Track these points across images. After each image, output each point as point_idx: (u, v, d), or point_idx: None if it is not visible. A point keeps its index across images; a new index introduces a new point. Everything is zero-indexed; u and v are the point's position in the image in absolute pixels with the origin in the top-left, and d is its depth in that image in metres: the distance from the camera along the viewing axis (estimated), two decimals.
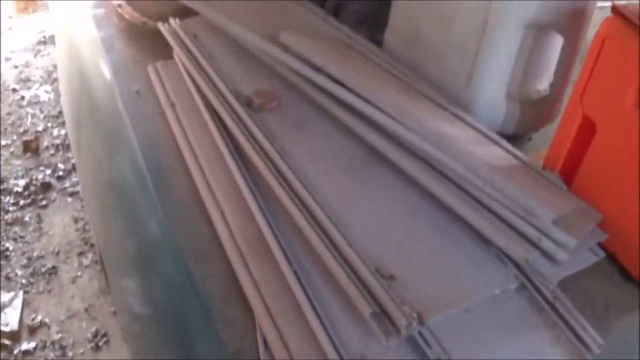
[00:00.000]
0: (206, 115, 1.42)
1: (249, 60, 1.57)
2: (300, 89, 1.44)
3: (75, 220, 3.17)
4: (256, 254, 1.15)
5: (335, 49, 1.53)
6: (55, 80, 4.11)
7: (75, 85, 2.19)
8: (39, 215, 3.21)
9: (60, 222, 3.17)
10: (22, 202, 3.27)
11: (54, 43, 4.27)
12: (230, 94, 1.43)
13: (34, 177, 3.40)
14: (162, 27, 1.72)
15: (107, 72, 1.78)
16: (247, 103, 1.41)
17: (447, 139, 1.24)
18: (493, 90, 1.46)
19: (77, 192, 3.29)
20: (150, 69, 1.64)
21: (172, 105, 1.49)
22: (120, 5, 2.04)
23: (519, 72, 1.45)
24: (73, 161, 3.41)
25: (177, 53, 1.61)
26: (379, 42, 1.74)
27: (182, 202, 1.32)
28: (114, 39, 1.90)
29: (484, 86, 1.46)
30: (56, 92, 4.01)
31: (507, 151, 1.34)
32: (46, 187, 3.36)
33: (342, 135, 1.37)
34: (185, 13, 1.76)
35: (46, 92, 4.09)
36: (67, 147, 3.55)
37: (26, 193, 3.32)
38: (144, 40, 1.86)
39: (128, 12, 1.99)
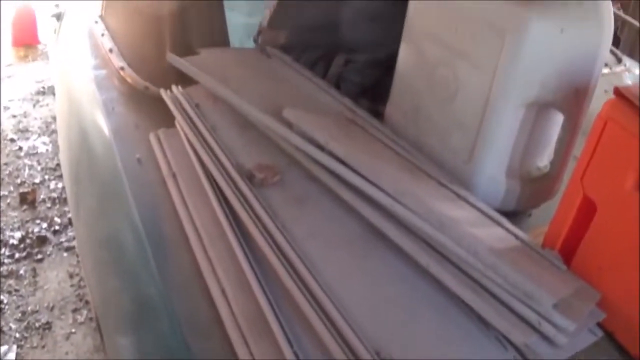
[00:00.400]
0: (208, 188, 1.42)
1: (251, 132, 1.58)
2: (303, 164, 1.44)
3: (71, 276, 3.15)
4: (256, 332, 1.14)
5: (337, 125, 1.54)
6: (54, 132, 4.12)
7: (74, 143, 2.19)
8: (34, 269, 3.19)
9: (55, 277, 3.15)
10: (17, 255, 3.25)
11: (53, 94, 4.30)
12: (232, 167, 1.43)
13: (30, 230, 3.39)
14: (164, 94, 1.73)
15: (107, 136, 1.78)
16: (249, 177, 1.42)
17: (448, 220, 1.25)
18: (494, 167, 1.47)
19: (73, 247, 3.27)
20: (152, 136, 1.64)
21: (174, 175, 1.50)
22: (122, 68, 2.05)
23: (520, 150, 1.47)
24: (69, 215, 3.40)
25: (179, 122, 1.62)
26: (380, 113, 1.76)
27: (181, 273, 1.33)
28: (115, 103, 1.91)
29: (484, 163, 1.47)
30: (54, 144, 4.02)
31: (508, 231, 1.34)
32: (42, 240, 3.34)
33: (343, 211, 1.37)
34: (188, 80, 1.77)
35: (44, 143, 4.10)
36: (63, 201, 3.55)
37: (22, 246, 3.30)
38: (145, 105, 1.87)
39: (130, 75, 2.01)
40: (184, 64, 1.68)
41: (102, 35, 2.34)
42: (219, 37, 1.99)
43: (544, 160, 1.53)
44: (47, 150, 4.05)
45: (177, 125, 1.64)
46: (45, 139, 4.15)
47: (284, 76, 1.80)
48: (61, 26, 3.08)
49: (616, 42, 2.66)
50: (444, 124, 1.53)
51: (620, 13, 3.13)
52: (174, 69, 1.84)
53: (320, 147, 1.39)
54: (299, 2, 1.83)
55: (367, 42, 1.86)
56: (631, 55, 2.72)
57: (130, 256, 1.51)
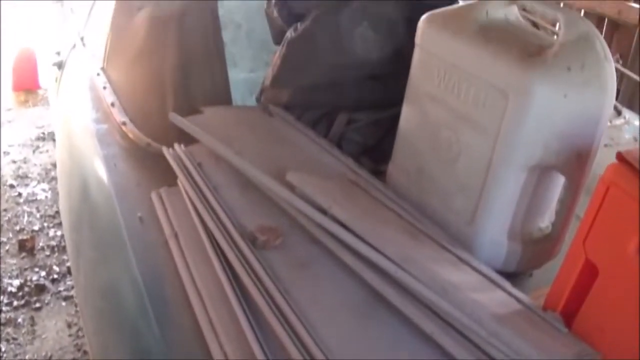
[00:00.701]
0: (209, 250, 1.42)
1: (254, 192, 1.58)
2: (305, 227, 1.44)
3: (69, 326, 3.13)
4: None
5: (340, 188, 1.55)
6: (53, 179, 4.12)
7: (75, 197, 2.20)
8: (32, 318, 3.17)
9: (53, 327, 3.13)
10: (15, 303, 3.23)
11: (53, 140, 4.32)
12: (234, 229, 1.43)
13: (28, 278, 3.38)
14: (166, 152, 1.73)
15: (109, 193, 1.79)
16: (251, 240, 1.42)
17: (451, 287, 1.25)
18: (495, 229, 1.48)
19: (72, 297, 3.26)
20: (154, 195, 1.65)
21: (176, 235, 1.50)
22: (124, 124, 2.06)
23: (522, 211, 1.47)
24: (68, 264, 3.39)
25: (181, 181, 1.62)
26: (382, 173, 1.77)
27: (182, 332, 1.32)
28: (117, 159, 1.92)
29: (486, 225, 1.48)
30: (53, 191, 4.03)
31: (510, 294, 1.35)
32: (40, 289, 3.33)
33: (346, 275, 1.37)
34: (191, 137, 1.78)
35: (43, 190, 4.10)
36: (62, 249, 3.54)
37: (20, 294, 3.28)
38: (147, 162, 1.88)
39: (132, 131, 2.01)
40: (186, 124, 1.69)
41: (104, 88, 2.36)
42: (222, 94, 2.00)
43: (545, 220, 1.53)
44: (46, 197, 4.04)
45: (179, 184, 1.64)
46: (45, 185, 4.15)
47: (286, 136, 1.80)
48: (62, 75, 3.10)
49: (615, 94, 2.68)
50: (447, 186, 1.53)
51: (619, 66, 3.16)
52: (176, 125, 1.86)
53: (323, 211, 1.39)
54: (302, 61, 1.85)
55: (369, 101, 1.88)
56: (630, 107, 2.74)
57: (130, 310, 1.51)
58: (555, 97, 1.31)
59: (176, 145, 1.75)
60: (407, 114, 1.64)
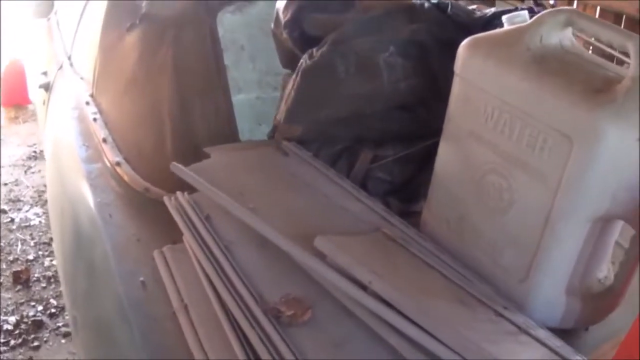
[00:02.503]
0: (226, 328, 1.21)
1: (273, 252, 1.36)
2: (338, 300, 1.23)
3: None
4: None
5: (377, 249, 1.34)
6: (46, 202, 3.91)
7: (68, 246, 2.00)
8: (31, 358, 2.97)
9: None
10: (12, 342, 3.02)
11: (45, 159, 4.10)
12: (254, 301, 1.22)
13: (24, 314, 3.17)
14: (168, 202, 1.52)
15: (106, 251, 1.58)
16: (275, 316, 1.21)
17: None
18: (553, 286, 1.29)
19: (71, 333, 3.05)
20: (157, 255, 1.44)
21: (185, 307, 1.29)
22: (118, 164, 1.85)
23: (582, 265, 1.28)
24: None
25: (187, 239, 1.41)
26: (411, 213, 1.56)
27: None
28: (112, 208, 1.71)
29: (543, 282, 1.29)
30: (47, 215, 3.82)
31: None
32: (38, 325, 3.12)
33: (387, 356, 1.16)
34: None
35: (37, 215, 3.90)
36: (59, 281, 3.33)
37: (17, 332, 3.07)
38: (147, 211, 1.67)
39: (128, 173, 1.80)
40: (191, 176, 1.48)
41: (94, 120, 2.15)
42: (226, 125, 1.80)
43: (603, 270, 1.34)
44: (40, 222, 3.84)
45: (185, 243, 1.43)
46: (38, 209, 3.95)
47: (304, 179, 1.59)
48: (50, 99, 2.89)
49: None
50: (495, 238, 1.33)
51: None
52: (179, 162, 1.65)
53: (362, 286, 1.18)
54: (319, 93, 1.63)
55: (397, 134, 1.66)
56: None
57: None
58: (628, 141, 1.11)
59: (179, 194, 1.53)
60: (446, 154, 1.43)
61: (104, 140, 1.99)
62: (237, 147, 1.72)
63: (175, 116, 1.81)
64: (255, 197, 1.47)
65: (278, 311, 1.22)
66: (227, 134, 1.80)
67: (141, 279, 1.43)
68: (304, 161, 1.65)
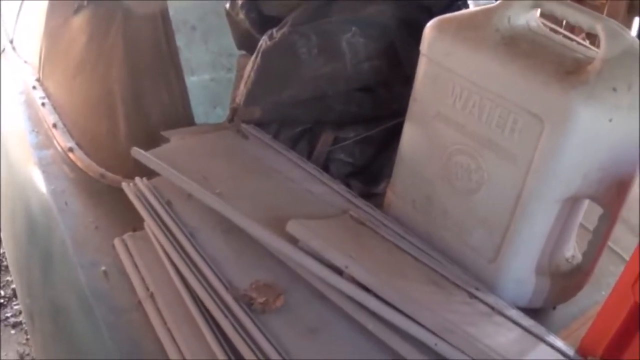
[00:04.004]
0: (196, 315, 1.19)
1: (239, 237, 1.34)
2: (311, 285, 1.22)
3: (21, 357, 2.84)
4: None
5: (346, 232, 1.33)
6: None
7: (20, 239, 1.93)
8: None
9: (4, 358, 2.85)
10: None
11: None
12: (224, 288, 1.20)
13: None
14: (126, 188, 1.48)
15: (63, 240, 1.53)
16: (247, 303, 1.19)
17: (496, 354, 1.05)
18: (522, 266, 1.30)
19: (21, 323, 2.97)
20: (117, 243, 1.40)
21: (152, 296, 1.26)
22: (71, 150, 1.80)
23: (550, 245, 1.29)
24: (13, 286, 3.10)
25: (150, 226, 1.38)
26: (373, 195, 1.56)
27: None
28: (67, 195, 1.66)
29: (512, 263, 1.30)
30: None
31: (553, 347, 1.16)
32: None
33: (365, 340, 1.15)
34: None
35: None
36: (5, 269, 3.24)
37: None
38: (104, 198, 1.63)
39: (81, 159, 1.75)
40: (154, 161, 1.44)
41: (43, 105, 2.08)
42: (180, 108, 1.75)
43: (570, 249, 1.36)
44: None
45: (147, 229, 1.39)
46: None
47: (267, 162, 1.56)
48: None
49: None
50: (463, 219, 1.33)
51: None
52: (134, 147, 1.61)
53: (338, 271, 1.16)
54: (280, 74, 1.60)
55: (358, 116, 1.64)
56: None
57: None
58: (600, 122, 1.12)
59: (137, 180, 1.49)
60: (411, 135, 1.42)
61: (54, 126, 1.93)
62: (195, 130, 1.68)
63: (127, 100, 1.76)
64: (220, 181, 1.44)
65: (250, 298, 1.20)
66: (182, 117, 1.76)
67: (103, 268, 1.40)
68: (265, 144, 1.63)
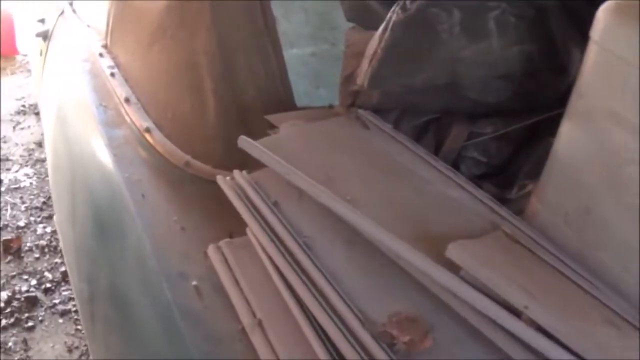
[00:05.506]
0: (320, 351, 0.92)
1: (367, 252, 1.07)
2: (464, 318, 0.93)
3: (69, 350, 2.61)
4: None
5: (508, 256, 1.05)
6: (38, 161, 3.57)
7: (82, 232, 1.66)
8: (24, 341, 2.62)
9: (51, 351, 2.61)
10: (4, 322, 2.68)
11: (35, 113, 3.75)
12: (359, 323, 0.92)
13: (17, 289, 2.84)
14: (222, 182, 1.21)
15: (140, 241, 1.26)
16: (388, 342, 0.90)
17: None
18: None
19: (69, 311, 2.73)
20: (212, 251, 1.13)
21: (260, 323, 0.98)
22: (148, 130, 1.52)
23: None
24: (62, 269, 2.86)
25: (254, 232, 1.10)
26: (506, 201, 1.29)
27: None
28: (144, 185, 1.39)
29: None
30: (39, 176, 3.48)
31: None
32: (32, 302, 2.79)
33: None
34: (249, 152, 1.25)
35: (27, 176, 3.53)
36: (54, 250, 3.01)
37: (8, 310, 2.74)
38: (191, 191, 1.36)
39: (161, 142, 1.48)
40: (268, 156, 1.16)
41: (112, 75, 1.80)
42: (279, 87, 1.48)
43: None
44: (31, 184, 3.49)
45: (250, 236, 1.12)
46: (29, 170, 3.59)
47: (395, 159, 1.27)
48: (49, 49, 2.53)
49: None
50: (630, 240, 1.04)
51: None
52: (225, 130, 1.33)
53: (514, 311, 0.88)
54: (415, 55, 1.31)
55: (494, 108, 1.35)
56: None
57: None
58: None
59: (237, 173, 1.21)
60: (572, 136, 1.13)
61: (127, 100, 1.66)
62: (304, 115, 1.39)
63: (216, 73, 1.48)
64: (347, 183, 1.16)
65: (391, 336, 0.92)
66: (282, 96, 1.49)
67: (194, 283, 1.13)
68: (388, 136, 1.33)
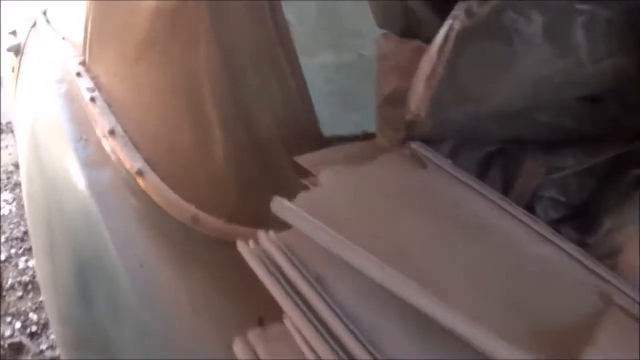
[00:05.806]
0: None
1: (443, 343, 0.78)
2: None
3: None
4: None
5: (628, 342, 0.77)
6: (17, 185, 3.27)
7: (67, 297, 1.37)
8: None
9: None
10: None
11: (12, 131, 3.45)
12: None
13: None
14: (243, 250, 0.91)
15: (143, 318, 0.98)
16: None
17: None
18: None
19: (58, 358, 2.44)
20: (239, 346, 0.84)
21: None
22: (140, 173, 1.23)
23: None
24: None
25: (293, 322, 0.81)
26: (584, 245, 1.01)
27: None
28: (139, 250, 1.10)
29: None
30: (19, 200, 3.18)
31: None
32: (17, 349, 2.50)
33: None
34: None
35: (6, 202, 3.23)
36: (37, 287, 2.71)
37: None
38: (200, 258, 1.07)
39: (160, 190, 1.18)
40: (314, 225, 0.86)
41: (92, 100, 1.50)
42: (302, 112, 1.18)
43: None
44: (10, 210, 3.19)
45: (288, 325, 0.83)
46: (7, 195, 3.29)
47: (465, 209, 0.98)
48: (21, 65, 2.23)
49: None
50: None
51: None
52: (237, 169, 1.03)
53: None
54: (487, 73, 1.01)
55: (573, 134, 1.06)
56: None
57: None
58: None
59: (262, 235, 0.92)
60: None
61: (112, 133, 1.36)
62: (343, 153, 1.09)
63: (222, 96, 1.19)
64: (422, 256, 0.86)
65: None
66: (304, 123, 1.20)
67: None
68: (451, 177, 1.04)
